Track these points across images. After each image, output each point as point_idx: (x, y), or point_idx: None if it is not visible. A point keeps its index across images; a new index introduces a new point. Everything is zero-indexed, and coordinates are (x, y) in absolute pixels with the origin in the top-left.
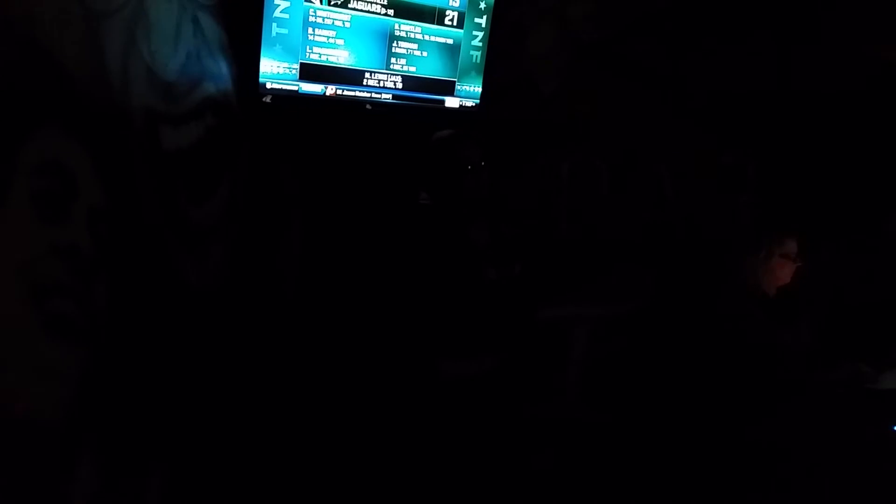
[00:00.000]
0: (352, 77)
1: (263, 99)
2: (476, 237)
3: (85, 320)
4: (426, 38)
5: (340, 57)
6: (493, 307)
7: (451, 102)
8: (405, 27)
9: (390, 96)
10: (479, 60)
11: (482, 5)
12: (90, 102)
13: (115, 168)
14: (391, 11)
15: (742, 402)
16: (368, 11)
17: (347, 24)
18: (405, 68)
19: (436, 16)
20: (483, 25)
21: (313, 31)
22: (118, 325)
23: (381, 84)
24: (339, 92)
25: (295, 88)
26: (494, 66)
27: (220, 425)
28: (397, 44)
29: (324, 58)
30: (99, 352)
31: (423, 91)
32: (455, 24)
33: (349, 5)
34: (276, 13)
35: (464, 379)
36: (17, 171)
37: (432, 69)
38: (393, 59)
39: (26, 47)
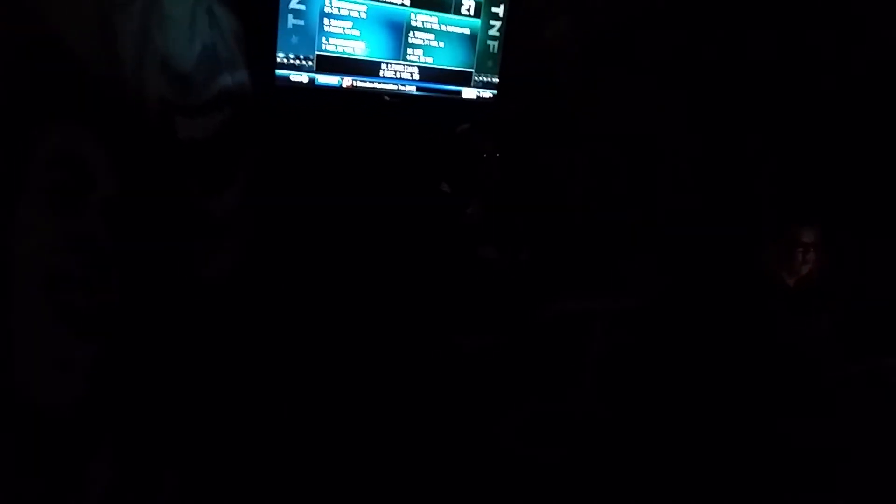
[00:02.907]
0: (368, 68)
1: (279, 91)
2: (472, 214)
3: (99, 311)
4: (443, 28)
5: (357, 48)
6: (500, 287)
7: (469, 93)
8: (421, 17)
9: (407, 87)
10: (495, 50)
11: None
12: (105, 94)
13: (130, 160)
14: (407, 1)
15: (761, 397)
16: (385, 1)
17: (363, 15)
18: (422, 59)
19: (452, 5)
20: (500, 15)
21: (329, 21)
22: (132, 316)
23: (398, 75)
24: (356, 83)
25: (311, 80)
26: (511, 56)
27: (234, 417)
28: (413, 34)
29: (340, 49)
30: (112, 343)
31: (440, 82)
32: (472, 13)
33: None
34: (293, 4)
35: (474, 353)
36: (34, 164)
37: (449, 60)
38: (409, 50)
39: (41, 40)
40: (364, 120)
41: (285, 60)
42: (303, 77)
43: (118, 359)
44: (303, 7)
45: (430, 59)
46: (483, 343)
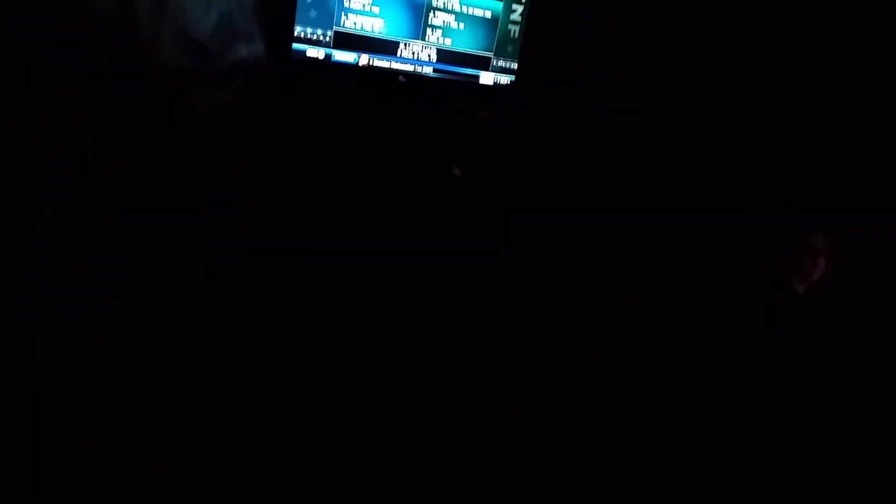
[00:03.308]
0: (386, 47)
1: (295, 65)
2: (496, 201)
3: (105, 280)
4: (464, 9)
5: (375, 26)
6: (506, 276)
7: (486, 78)
8: None
9: (424, 69)
10: (516, 36)
11: None
12: (118, 61)
13: (142, 128)
14: None
15: (764, 401)
16: None
17: None
18: (441, 40)
19: None
20: None
21: None
22: (137, 289)
23: (416, 56)
24: (373, 62)
25: (328, 56)
26: (532, 43)
27: (233, 400)
28: (434, 14)
29: (358, 26)
30: (117, 314)
31: (457, 65)
32: None
33: None
34: None
35: (475, 341)
36: (42, 130)
37: (468, 43)
38: (429, 31)
39: (55, 2)
40: (379, 99)
41: (302, 35)
42: (319, 53)
43: (122, 331)
44: None
45: (448, 41)
46: (485, 331)
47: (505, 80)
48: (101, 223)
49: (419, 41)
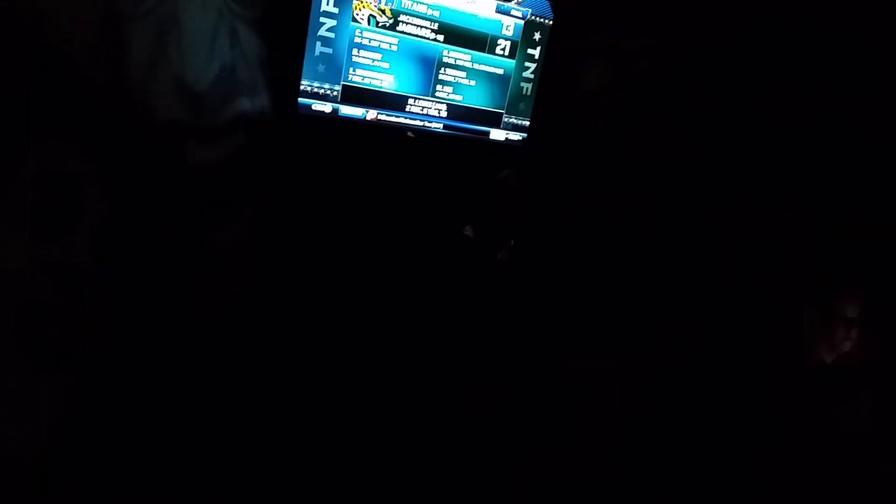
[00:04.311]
0: (395, 102)
1: (300, 119)
2: (502, 259)
3: (78, 348)
4: (475, 66)
5: (384, 81)
6: (517, 340)
7: (497, 135)
8: (454, 54)
9: (433, 124)
10: (528, 93)
11: (536, 36)
12: (106, 111)
13: (129, 183)
14: (441, 37)
15: (789, 485)
16: (417, 35)
17: (394, 48)
18: (451, 96)
19: (487, 44)
20: (536, 57)
21: (358, 52)
22: (118, 355)
23: (425, 111)
24: (381, 117)
25: (335, 110)
26: (544, 100)
27: (225, 468)
28: (444, 71)
29: (367, 81)
30: (92, 383)
31: (468, 121)
32: (507, 53)
33: (397, 28)
34: (322, 31)
35: (481, 411)
36: (14, 181)
37: (479, 99)
38: (439, 87)
39: (34, 47)
40: (387, 155)
41: (309, 89)
42: (326, 107)
43: (101, 400)
44: (332, 35)
45: (459, 97)
46: (492, 400)
47: (516, 136)
48: (76, 284)
49: (429, 97)
